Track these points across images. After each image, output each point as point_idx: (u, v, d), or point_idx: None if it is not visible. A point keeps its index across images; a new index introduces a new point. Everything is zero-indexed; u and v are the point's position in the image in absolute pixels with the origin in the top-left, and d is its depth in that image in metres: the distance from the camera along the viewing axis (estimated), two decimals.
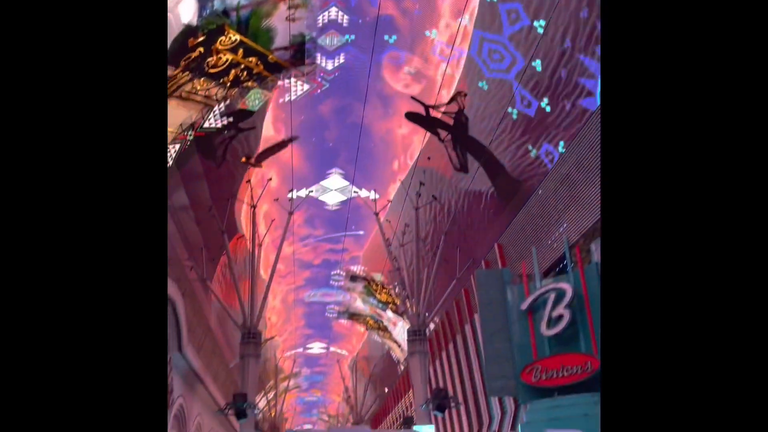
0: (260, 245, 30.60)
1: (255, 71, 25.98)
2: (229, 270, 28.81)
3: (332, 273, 43.40)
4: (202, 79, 24.03)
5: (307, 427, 79.42)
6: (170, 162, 25.79)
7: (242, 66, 25.35)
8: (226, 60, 24.45)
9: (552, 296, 19.60)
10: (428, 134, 28.75)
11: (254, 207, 29.84)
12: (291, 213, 30.62)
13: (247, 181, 30.49)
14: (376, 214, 30.87)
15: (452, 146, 28.12)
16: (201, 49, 22.86)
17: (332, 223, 38.72)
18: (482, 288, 21.41)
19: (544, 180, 22.49)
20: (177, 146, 25.87)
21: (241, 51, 24.60)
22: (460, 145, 27.77)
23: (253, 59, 25.51)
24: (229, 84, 25.48)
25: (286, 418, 66.36)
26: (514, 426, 24.86)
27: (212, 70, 24.23)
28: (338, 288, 44.73)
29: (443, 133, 28.24)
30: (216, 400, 37.21)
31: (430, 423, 29.40)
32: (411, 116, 28.38)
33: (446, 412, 28.68)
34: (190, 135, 26.62)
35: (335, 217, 37.96)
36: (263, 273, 33.69)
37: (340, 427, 61.28)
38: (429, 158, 30.54)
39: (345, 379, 62.71)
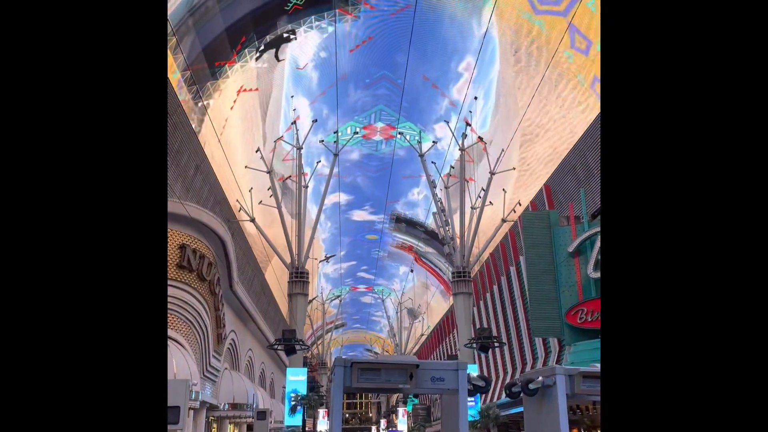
0: (306, 186, 30.84)
1: None
2: (277, 210, 29.21)
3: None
4: None
5: None
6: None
7: None
8: None
9: (599, 238, 19.38)
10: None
11: (300, 148, 29.93)
12: (336, 154, 30.58)
13: (293, 123, 30.50)
14: (422, 156, 30.61)
15: None
16: None
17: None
18: (528, 230, 21.28)
19: (599, 115, 21.74)
20: None
21: None
22: None
23: None
24: None
25: (332, 353, 68.51)
26: None
27: None
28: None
29: None
30: (266, 335, 38.63)
31: (474, 362, 29.90)
32: None
33: (490, 351, 29.12)
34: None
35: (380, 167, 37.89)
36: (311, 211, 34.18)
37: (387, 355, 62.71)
38: (475, 98, 29.84)
39: (390, 318, 64.01)
